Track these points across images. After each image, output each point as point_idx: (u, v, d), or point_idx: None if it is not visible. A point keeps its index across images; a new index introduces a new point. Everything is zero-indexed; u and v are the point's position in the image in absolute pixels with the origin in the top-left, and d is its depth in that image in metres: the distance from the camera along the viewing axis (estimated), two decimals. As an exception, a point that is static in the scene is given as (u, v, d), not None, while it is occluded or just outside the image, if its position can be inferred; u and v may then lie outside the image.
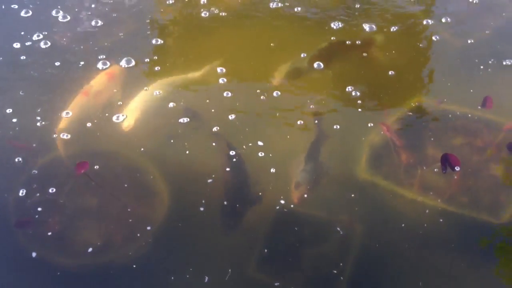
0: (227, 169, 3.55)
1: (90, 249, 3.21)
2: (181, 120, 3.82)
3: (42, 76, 4.14)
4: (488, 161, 3.59)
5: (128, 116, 3.79)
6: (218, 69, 4.12)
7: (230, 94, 3.96)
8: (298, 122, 3.83)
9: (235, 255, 3.24)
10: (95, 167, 3.53)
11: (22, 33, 4.39)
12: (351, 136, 3.76)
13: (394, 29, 4.45)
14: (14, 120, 3.81)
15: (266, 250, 3.24)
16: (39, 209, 3.35)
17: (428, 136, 3.73)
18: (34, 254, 3.15)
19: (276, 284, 3.10)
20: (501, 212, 3.38)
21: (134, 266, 3.15)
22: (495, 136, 3.69)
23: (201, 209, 3.37)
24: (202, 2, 4.70)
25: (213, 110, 3.89)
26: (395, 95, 4.03)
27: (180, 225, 3.33)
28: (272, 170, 3.53)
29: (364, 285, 3.14)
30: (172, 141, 3.72)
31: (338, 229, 3.33)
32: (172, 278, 3.11)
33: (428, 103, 3.95)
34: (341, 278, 3.11)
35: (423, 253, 3.24)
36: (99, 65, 4.15)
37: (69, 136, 3.70)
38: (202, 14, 4.59)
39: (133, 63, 4.17)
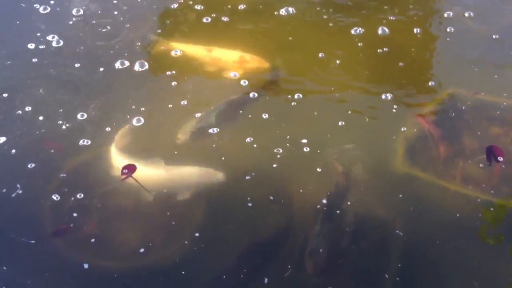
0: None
1: (132, 252, 3.13)
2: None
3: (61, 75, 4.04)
4: (526, 150, 3.58)
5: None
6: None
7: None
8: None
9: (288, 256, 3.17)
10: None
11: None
12: (387, 131, 3.70)
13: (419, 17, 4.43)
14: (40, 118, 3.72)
15: (312, 249, 3.16)
16: (75, 214, 3.25)
17: (464, 127, 3.71)
18: (73, 260, 3.07)
19: (325, 282, 3.04)
20: (544, 201, 3.36)
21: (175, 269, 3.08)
22: (532, 125, 3.68)
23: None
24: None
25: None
26: (429, 87, 3.99)
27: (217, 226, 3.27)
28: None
29: (408, 281, 3.08)
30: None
31: (379, 224, 3.27)
32: (223, 278, 3.05)
33: (462, 94, 3.91)
34: (386, 275, 3.06)
35: (467, 246, 3.20)
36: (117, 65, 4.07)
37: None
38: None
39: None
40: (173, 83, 3.99)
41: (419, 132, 3.68)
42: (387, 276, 3.06)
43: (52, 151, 3.56)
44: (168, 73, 4.07)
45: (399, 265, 3.10)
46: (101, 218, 3.27)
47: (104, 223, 3.25)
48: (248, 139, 3.61)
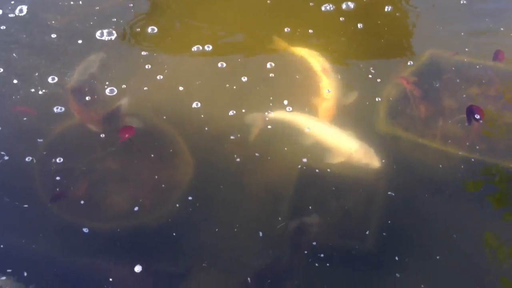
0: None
1: (120, 213, 3.19)
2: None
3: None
4: (503, 109, 3.71)
5: None
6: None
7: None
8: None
9: (263, 212, 3.27)
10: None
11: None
12: (369, 92, 3.79)
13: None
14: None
15: (292, 209, 3.27)
16: (65, 178, 3.28)
17: (443, 87, 3.81)
18: (68, 222, 3.11)
19: (304, 241, 3.14)
20: (519, 156, 3.51)
21: (165, 226, 3.16)
22: (508, 84, 3.80)
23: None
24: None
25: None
26: (409, 48, 4.08)
27: (207, 186, 3.34)
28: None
29: (389, 237, 3.19)
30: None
31: (362, 183, 3.39)
32: (202, 236, 3.13)
33: (441, 55, 4.01)
34: (367, 232, 3.18)
35: (446, 201, 3.34)
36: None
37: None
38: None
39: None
40: (151, 56, 4.00)
41: (401, 93, 3.77)
42: (368, 232, 3.17)
43: (25, 118, 3.57)
44: (146, 47, 4.07)
45: (384, 220, 3.22)
46: (91, 181, 3.30)
47: (94, 186, 3.28)
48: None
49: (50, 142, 3.46)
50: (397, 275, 3.00)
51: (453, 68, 3.92)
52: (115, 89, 3.71)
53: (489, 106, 3.72)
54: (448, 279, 3.04)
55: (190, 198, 3.24)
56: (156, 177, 3.34)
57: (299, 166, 3.41)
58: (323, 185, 3.38)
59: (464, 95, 3.76)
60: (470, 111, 3.51)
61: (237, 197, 3.30)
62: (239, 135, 3.52)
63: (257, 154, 3.46)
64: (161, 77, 3.82)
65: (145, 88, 3.75)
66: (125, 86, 3.72)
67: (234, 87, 3.77)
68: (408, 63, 3.96)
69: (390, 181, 3.41)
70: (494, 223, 3.27)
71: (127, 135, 3.35)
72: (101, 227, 3.12)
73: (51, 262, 2.96)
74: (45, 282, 2.87)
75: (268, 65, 3.91)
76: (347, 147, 3.48)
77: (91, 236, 3.05)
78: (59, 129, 3.53)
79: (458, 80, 3.85)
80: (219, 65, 3.90)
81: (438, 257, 3.08)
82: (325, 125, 3.60)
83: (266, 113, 3.62)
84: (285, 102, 3.70)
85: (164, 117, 3.61)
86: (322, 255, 3.05)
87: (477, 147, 3.52)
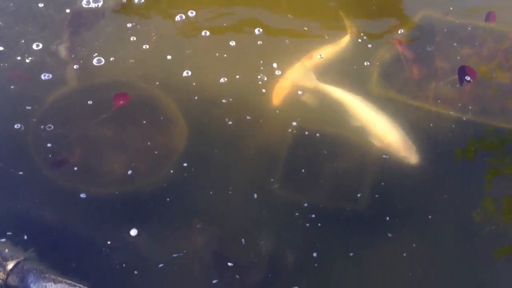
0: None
1: (116, 178, 3.20)
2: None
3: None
4: (495, 69, 3.71)
5: None
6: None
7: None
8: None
9: (258, 175, 3.29)
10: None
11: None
12: (361, 56, 3.78)
13: None
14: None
15: (286, 170, 3.28)
16: (58, 145, 3.28)
17: (436, 49, 3.81)
18: (64, 188, 3.12)
19: (299, 201, 3.17)
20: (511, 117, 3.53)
21: (160, 191, 3.17)
22: (501, 44, 3.80)
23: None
24: None
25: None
26: (402, 10, 4.05)
27: (201, 150, 3.35)
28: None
29: (381, 198, 3.22)
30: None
31: (355, 145, 3.40)
32: (196, 199, 3.15)
33: (433, 17, 3.99)
34: (358, 195, 3.20)
35: (438, 161, 3.36)
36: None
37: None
38: None
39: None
40: (138, 26, 3.95)
41: (393, 56, 3.76)
42: (360, 193, 3.19)
43: (12, 86, 3.54)
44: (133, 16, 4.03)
45: (377, 182, 3.25)
46: (85, 147, 3.30)
47: (88, 153, 3.28)
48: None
49: (40, 109, 3.44)
50: (389, 234, 3.03)
51: (445, 30, 3.91)
52: (102, 59, 3.66)
53: (482, 67, 3.72)
54: (439, 238, 3.08)
55: (184, 163, 3.25)
56: (150, 143, 3.35)
57: (290, 130, 3.42)
58: (316, 147, 3.39)
59: (457, 57, 3.76)
60: (462, 72, 3.51)
61: (231, 160, 3.32)
62: (231, 99, 3.50)
63: (248, 117, 3.45)
64: (147, 46, 3.76)
65: (131, 60, 3.70)
66: (113, 59, 3.66)
67: (225, 55, 3.74)
68: (400, 27, 3.93)
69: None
70: (486, 182, 3.30)
71: (121, 102, 3.33)
72: (97, 192, 3.13)
73: (48, 226, 2.98)
74: (43, 245, 2.88)
75: (257, 31, 3.87)
76: (390, 136, 3.43)
77: (87, 201, 3.07)
78: (48, 96, 3.50)
79: (450, 42, 3.84)
80: (204, 33, 3.85)
81: (430, 217, 3.12)
82: (372, 108, 3.54)
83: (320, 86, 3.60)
84: (274, 65, 3.67)
85: (157, 83, 3.57)
86: (313, 216, 3.07)
87: (470, 108, 3.54)
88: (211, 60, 3.74)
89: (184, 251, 2.93)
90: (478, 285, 2.96)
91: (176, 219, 3.06)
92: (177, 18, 3.96)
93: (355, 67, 3.74)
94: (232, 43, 3.81)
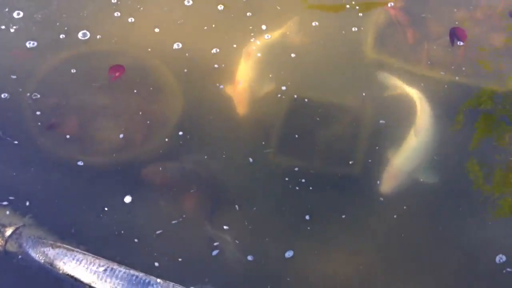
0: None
1: (111, 147, 3.23)
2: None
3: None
4: (489, 32, 3.70)
5: None
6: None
7: None
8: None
9: (253, 141, 3.33)
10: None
11: None
12: (356, 18, 3.77)
13: None
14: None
15: (282, 136, 3.32)
16: (50, 113, 3.31)
17: (430, 12, 3.79)
18: (58, 156, 3.16)
19: (294, 166, 3.20)
20: (505, 79, 3.53)
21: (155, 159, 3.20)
22: (495, 6, 3.78)
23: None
24: None
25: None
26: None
27: (196, 118, 3.37)
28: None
29: (374, 163, 3.24)
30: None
31: (350, 109, 3.42)
32: (190, 166, 3.18)
33: (428, -21, 3.97)
34: (351, 162, 3.23)
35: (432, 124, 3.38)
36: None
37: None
38: None
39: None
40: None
41: (387, 19, 3.75)
42: (353, 159, 3.23)
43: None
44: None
45: (369, 147, 3.28)
46: (78, 116, 3.32)
47: (82, 121, 3.31)
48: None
49: (27, 79, 3.43)
50: (381, 198, 3.08)
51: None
52: (88, 33, 3.65)
53: (476, 29, 3.71)
54: (431, 201, 3.12)
55: (179, 131, 3.28)
56: (144, 112, 3.36)
57: (284, 96, 3.44)
58: (310, 113, 3.41)
59: (451, 19, 3.74)
60: (453, 33, 3.51)
61: (225, 127, 3.34)
62: (223, 65, 3.51)
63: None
64: (132, 19, 3.73)
65: (119, 32, 3.69)
66: (100, 37, 3.65)
67: (213, 25, 3.72)
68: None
69: (376, 107, 3.44)
70: (478, 145, 3.33)
71: (117, 73, 3.34)
72: (92, 160, 3.16)
73: (45, 193, 3.02)
74: (41, 211, 2.93)
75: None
76: None
77: (83, 169, 3.11)
78: (35, 65, 3.50)
79: (444, 5, 3.82)
80: (187, 2, 3.83)
81: (421, 180, 3.15)
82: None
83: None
84: (263, 27, 3.68)
85: (149, 49, 3.57)
86: (303, 180, 3.11)
87: (463, 70, 3.54)
88: (200, 29, 3.72)
89: (181, 218, 2.98)
90: (469, 247, 3.01)
91: (170, 184, 3.10)
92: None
93: (353, 30, 3.72)
94: (220, 7, 3.78)
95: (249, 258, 2.85)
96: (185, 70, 3.52)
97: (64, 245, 2.76)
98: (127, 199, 2.99)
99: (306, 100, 3.43)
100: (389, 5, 3.78)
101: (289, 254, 2.88)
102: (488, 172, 3.22)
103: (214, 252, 2.87)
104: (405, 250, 2.97)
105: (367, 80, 3.54)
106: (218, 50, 3.58)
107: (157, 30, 3.68)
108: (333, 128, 3.37)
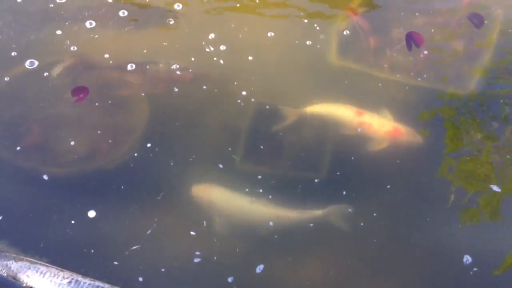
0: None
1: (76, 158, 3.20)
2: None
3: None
4: (450, 36, 3.78)
5: None
6: None
7: None
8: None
9: (220, 148, 3.32)
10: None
11: None
12: (320, 25, 3.81)
13: None
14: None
15: (248, 142, 3.33)
16: (18, 126, 3.27)
17: (391, 18, 3.85)
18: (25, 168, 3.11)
19: (262, 171, 3.21)
20: (466, 82, 3.61)
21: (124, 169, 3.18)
22: (455, 12, 3.87)
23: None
24: None
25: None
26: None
27: (162, 127, 3.36)
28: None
29: (344, 164, 3.28)
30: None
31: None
32: (160, 176, 3.17)
33: (390, -14, 4.05)
34: (321, 163, 3.27)
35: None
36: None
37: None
38: None
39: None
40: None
41: (350, 26, 3.80)
42: (320, 165, 3.25)
43: None
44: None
45: (335, 153, 3.31)
46: (44, 126, 3.30)
47: (48, 132, 3.28)
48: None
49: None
50: (350, 210, 3.09)
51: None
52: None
53: (437, 34, 3.78)
54: (400, 207, 3.15)
55: (146, 140, 3.27)
56: (111, 122, 3.35)
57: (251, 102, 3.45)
58: (276, 120, 3.42)
59: (412, 25, 3.81)
60: (409, 38, 3.58)
61: (193, 133, 3.35)
62: (190, 70, 3.52)
63: (205, 88, 3.47)
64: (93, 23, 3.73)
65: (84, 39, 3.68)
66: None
67: (171, 22, 3.72)
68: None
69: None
70: (441, 148, 3.38)
71: (81, 95, 3.31)
72: (58, 172, 3.13)
73: (8, 205, 2.99)
74: (3, 224, 2.90)
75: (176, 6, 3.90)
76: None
77: (48, 181, 3.07)
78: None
79: (406, 11, 3.89)
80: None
81: (388, 186, 3.18)
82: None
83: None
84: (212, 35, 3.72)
85: (111, 62, 3.55)
86: (273, 183, 3.13)
87: (425, 75, 3.60)
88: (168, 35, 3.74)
89: (152, 228, 2.96)
90: (435, 248, 3.04)
91: (140, 192, 3.09)
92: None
93: (319, 37, 3.76)
94: (179, 6, 3.80)
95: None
96: (153, 77, 3.52)
97: (27, 258, 2.71)
98: (91, 213, 2.96)
99: (271, 106, 3.44)
100: (350, 12, 3.83)
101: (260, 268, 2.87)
102: (453, 174, 3.27)
103: (196, 260, 2.86)
104: (374, 255, 2.99)
105: (333, 86, 3.57)
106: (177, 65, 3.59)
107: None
108: (299, 133, 3.39)
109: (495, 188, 3.16)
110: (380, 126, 3.37)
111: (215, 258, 2.87)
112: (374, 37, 3.75)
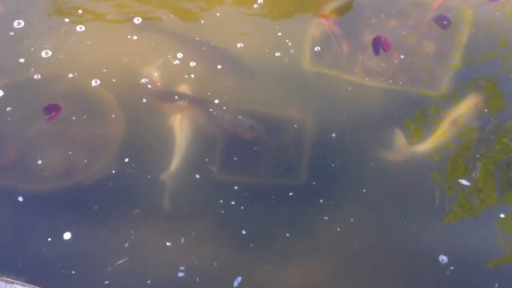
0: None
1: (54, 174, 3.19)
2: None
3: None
4: (421, 39, 3.82)
5: None
6: None
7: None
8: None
9: (197, 159, 3.33)
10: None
11: None
12: (293, 32, 3.83)
13: None
14: None
15: (226, 152, 3.34)
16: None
17: (363, 23, 3.89)
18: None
19: (240, 181, 3.23)
20: (438, 84, 3.65)
21: (101, 184, 3.17)
22: (425, 15, 3.91)
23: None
24: None
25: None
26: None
27: (139, 140, 3.36)
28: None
29: (320, 173, 3.30)
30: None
31: (292, 122, 3.47)
32: (139, 190, 3.17)
33: (361, -9, 4.09)
34: (299, 171, 3.29)
35: (371, 130, 3.47)
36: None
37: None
38: None
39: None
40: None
41: (323, 32, 3.83)
42: (296, 172, 3.28)
43: None
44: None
45: (312, 154, 3.34)
46: (20, 144, 3.28)
47: (24, 149, 3.26)
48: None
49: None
50: (325, 217, 3.11)
51: (372, 4, 3.99)
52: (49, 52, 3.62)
53: (408, 37, 3.82)
54: (377, 211, 3.18)
55: (123, 155, 3.27)
56: (86, 137, 3.34)
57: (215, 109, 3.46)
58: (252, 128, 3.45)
59: (383, 28, 3.85)
60: (376, 43, 3.62)
61: (169, 145, 3.35)
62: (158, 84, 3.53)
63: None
64: (80, 32, 3.74)
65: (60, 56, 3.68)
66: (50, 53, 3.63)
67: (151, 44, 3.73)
68: (327, 3, 4.01)
69: (316, 118, 3.50)
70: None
71: (53, 113, 3.30)
72: (34, 191, 3.12)
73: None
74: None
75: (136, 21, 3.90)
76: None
77: (25, 201, 3.06)
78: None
79: (377, 15, 3.93)
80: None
81: (364, 190, 3.21)
82: None
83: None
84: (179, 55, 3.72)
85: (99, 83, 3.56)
86: (247, 194, 3.14)
87: (398, 78, 3.64)
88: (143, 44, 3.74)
89: (129, 241, 2.95)
90: (412, 249, 3.07)
91: (116, 207, 3.09)
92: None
93: (291, 43, 3.78)
94: (138, 20, 3.81)
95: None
96: (127, 90, 3.52)
97: (3, 278, 2.70)
98: (67, 235, 2.95)
99: (248, 113, 3.46)
100: (322, 17, 3.86)
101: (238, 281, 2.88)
102: (427, 175, 3.30)
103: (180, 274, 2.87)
104: (351, 257, 3.02)
105: (308, 92, 3.60)
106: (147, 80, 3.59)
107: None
108: (276, 141, 3.41)
109: (464, 182, 3.22)
110: None
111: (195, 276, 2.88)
112: (346, 42, 3.78)
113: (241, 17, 3.96)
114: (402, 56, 3.72)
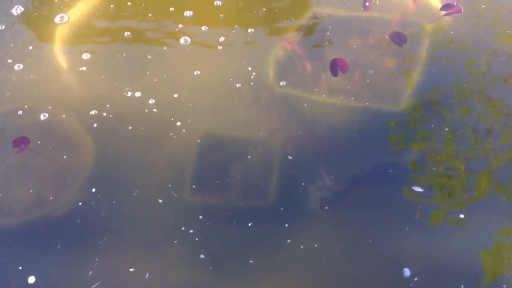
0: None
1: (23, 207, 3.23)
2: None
3: None
4: (382, 56, 3.91)
5: None
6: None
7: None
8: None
9: (167, 184, 3.39)
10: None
11: None
12: (256, 54, 3.92)
13: None
14: None
15: (196, 176, 3.40)
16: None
17: (327, 42, 3.98)
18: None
19: (211, 203, 3.29)
20: (400, 99, 3.73)
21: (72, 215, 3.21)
22: (385, 32, 4.00)
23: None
24: None
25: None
26: (289, 9, 4.21)
27: (109, 169, 3.42)
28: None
29: (290, 192, 3.37)
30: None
31: (259, 143, 3.54)
32: (112, 219, 3.22)
33: (321, 12, 4.17)
34: (269, 190, 3.35)
35: (338, 148, 3.54)
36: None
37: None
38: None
39: None
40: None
41: (287, 54, 3.92)
42: (270, 190, 3.33)
43: None
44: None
45: (281, 172, 3.40)
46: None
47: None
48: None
49: None
50: (288, 240, 3.16)
51: (333, 23, 4.08)
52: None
53: (370, 55, 3.91)
54: (343, 226, 3.24)
55: (91, 186, 3.31)
56: (55, 167, 3.38)
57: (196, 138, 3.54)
58: (223, 150, 3.51)
59: (345, 47, 3.94)
60: (334, 65, 3.71)
61: (141, 173, 3.41)
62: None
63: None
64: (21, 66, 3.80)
65: (32, 76, 3.75)
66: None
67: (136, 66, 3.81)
68: (289, 25, 4.10)
69: (284, 140, 3.57)
70: (384, 163, 3.48)
71: (22, 146, 3.35)
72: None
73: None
74: None
75: (125, 34, 3.97)
76: None
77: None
78: None
79: (339, 34, 4.02)
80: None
81: (326, 208, 3.27)
82: None
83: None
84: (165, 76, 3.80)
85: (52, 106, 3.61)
86: (222, 214, 3.22)
87: (362, 95, 3.71)
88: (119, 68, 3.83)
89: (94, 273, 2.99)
90: (391, 262, 3.12)
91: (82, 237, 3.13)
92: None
93: (254, 66, 3.85)
94: (87, 55, 3.89)
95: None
96: (96, 117, 3.59)
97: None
98: (31, 279, 2.99)
99: (214, 136, 3.54)
100: (284, 39, 3.95)
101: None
102: (393, 186, 3.37)
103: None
104: (319, 272, 3.07)
105: (273, 112, 3.67)
106: (139, 94, 3.67)
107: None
108: (243, 162, 3.46)
109: (417, 189, 3.30)
110: None
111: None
112: (310, 63, 3.86)
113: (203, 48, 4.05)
114: (364, 73, 3.80)
